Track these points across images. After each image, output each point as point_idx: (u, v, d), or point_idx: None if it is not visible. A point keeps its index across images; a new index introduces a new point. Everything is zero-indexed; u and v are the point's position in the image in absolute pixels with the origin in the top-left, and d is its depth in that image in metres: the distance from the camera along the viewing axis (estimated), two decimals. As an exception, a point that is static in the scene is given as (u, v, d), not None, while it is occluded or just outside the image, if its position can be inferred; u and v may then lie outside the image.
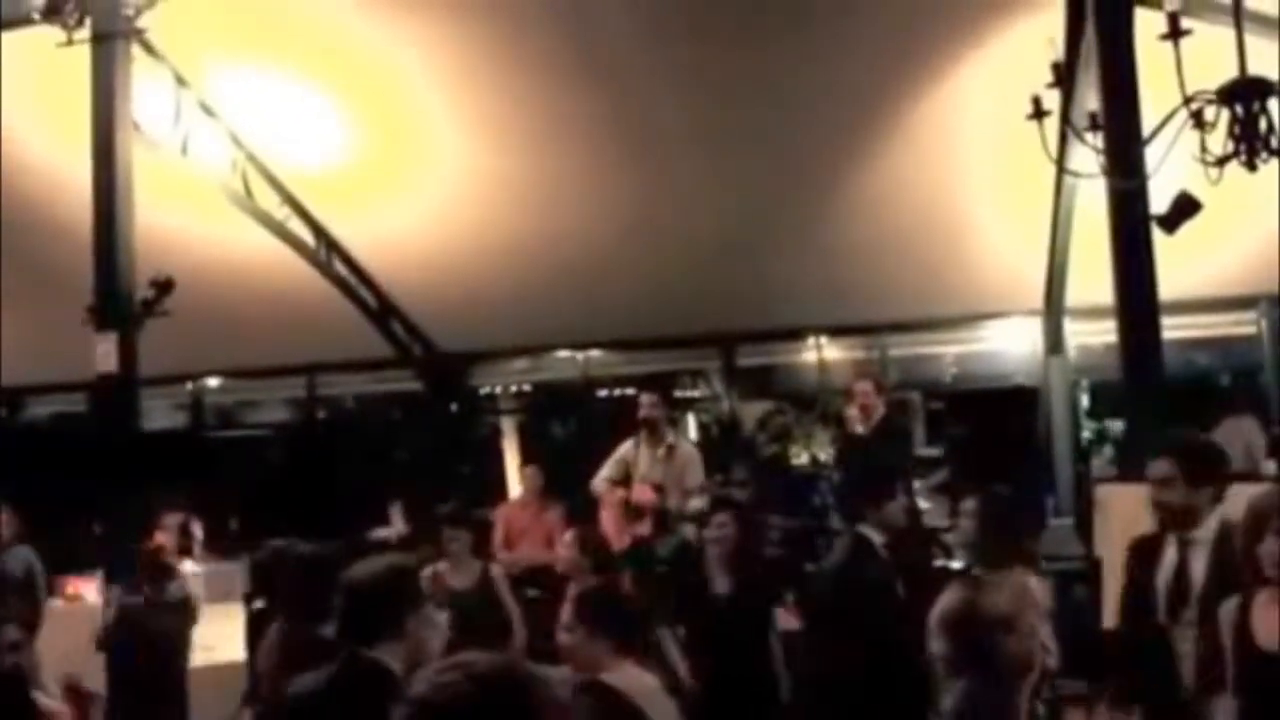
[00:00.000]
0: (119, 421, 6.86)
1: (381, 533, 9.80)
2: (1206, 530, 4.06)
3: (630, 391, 10.46)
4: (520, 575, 7.50)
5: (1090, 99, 5.63)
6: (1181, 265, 6.46)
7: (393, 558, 3.85)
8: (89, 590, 7.84)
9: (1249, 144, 3.71)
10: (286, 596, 4.67)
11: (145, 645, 6.24)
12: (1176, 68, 3.71)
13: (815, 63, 7.52)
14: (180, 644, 6.50)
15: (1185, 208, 4.74)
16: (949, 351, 10.83)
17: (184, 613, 6.63)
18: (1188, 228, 4.83)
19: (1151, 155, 4.32)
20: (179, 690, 6.31)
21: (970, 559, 4.81)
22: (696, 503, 7.98)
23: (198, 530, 9.23)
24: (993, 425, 10.23)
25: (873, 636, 5.06)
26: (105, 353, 6.66)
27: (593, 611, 3.71)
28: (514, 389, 12.13)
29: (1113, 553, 4.74)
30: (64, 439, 11.97)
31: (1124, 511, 4.98)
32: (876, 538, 5.39)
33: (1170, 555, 4.13)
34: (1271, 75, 3.89)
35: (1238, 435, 7.62)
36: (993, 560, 4.71)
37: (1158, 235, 5.15)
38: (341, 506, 10.08)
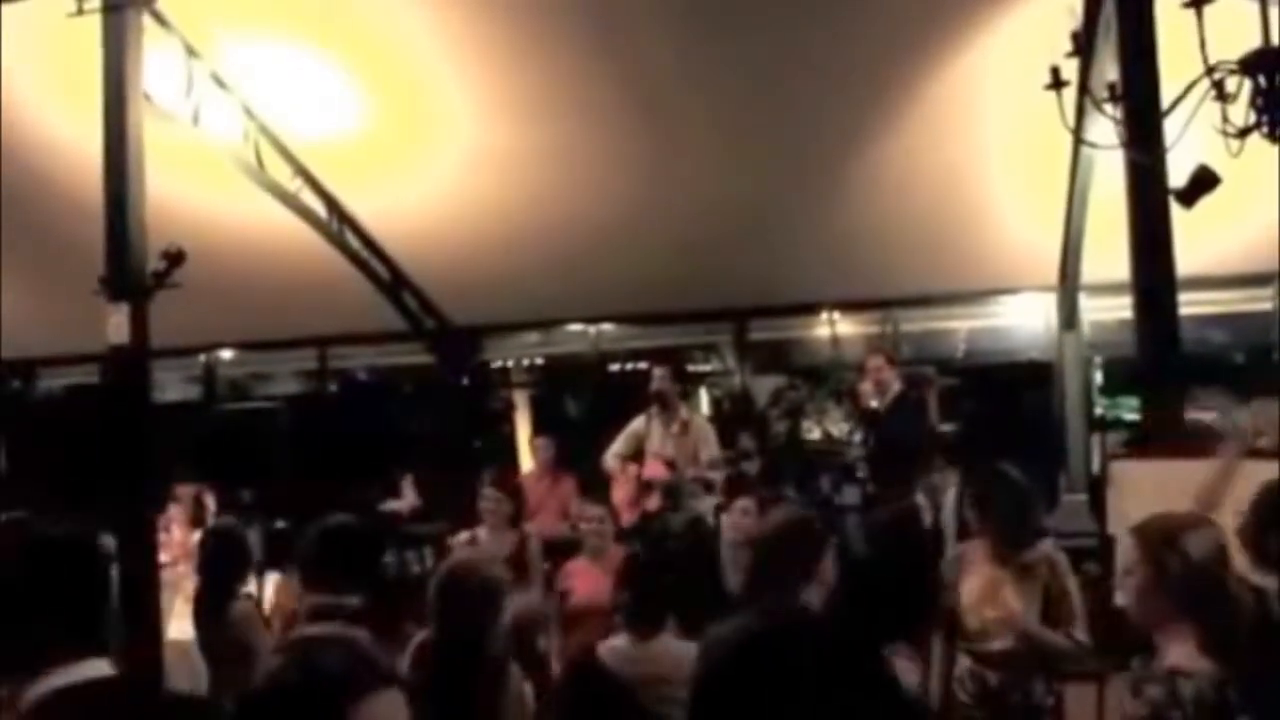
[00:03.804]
0: (131, 393, 6.86)
1: (392, 505, 9.83)
2: None
3: (642, 366, 10.47)
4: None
5: (1110, 69, 5.56)
6: (1196, 241, 6.38)
7: (791, 510, 3.97)
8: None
9: (1271, 115, 3.66)
10: (317, 570, 4.75)
11: None
12: (1199, 37, 3.65)
13: (831, 36, 7.45)
14: None
15: (1204, 182, 4.66)
16: (962, 327, 10.80)
17: None
18: (1203, 203, 4.77)
19: (1171, 128, 4.27)
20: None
21: (987, 538, 4.76)
22: (715, 475, 8.00)
23: (210, 501, 9.28)
24: (1006, 401, 10.21)
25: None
26: (117, 324, 6.65)
27: None
28: (526, 363, 12.14)
29: (1125, 530, 4.71)
30: (77, 411, 12.01)
31: (1137, 488, 4.96)
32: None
33: None
34: (1294, 45, 3.83)
35: (1266, 416, 7.52)
36: (1010, 538, 4.68)
37: (1173, 210, 5.09)
38: (353, 479, 10.11)
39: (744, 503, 5.88)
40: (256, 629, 5.61)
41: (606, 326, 11.27)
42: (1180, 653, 2.73)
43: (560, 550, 6.89)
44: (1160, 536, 2.86)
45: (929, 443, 6.57)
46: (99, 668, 2.01)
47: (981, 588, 4.66)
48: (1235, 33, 3.77)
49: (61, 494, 7.53)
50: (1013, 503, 4.74)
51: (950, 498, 5.36)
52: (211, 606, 5.81)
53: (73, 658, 1.98)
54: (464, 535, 6.73)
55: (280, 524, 8.72)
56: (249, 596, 6.01)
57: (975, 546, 4.84)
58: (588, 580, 5.88)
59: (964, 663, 4.65)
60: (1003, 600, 4.60)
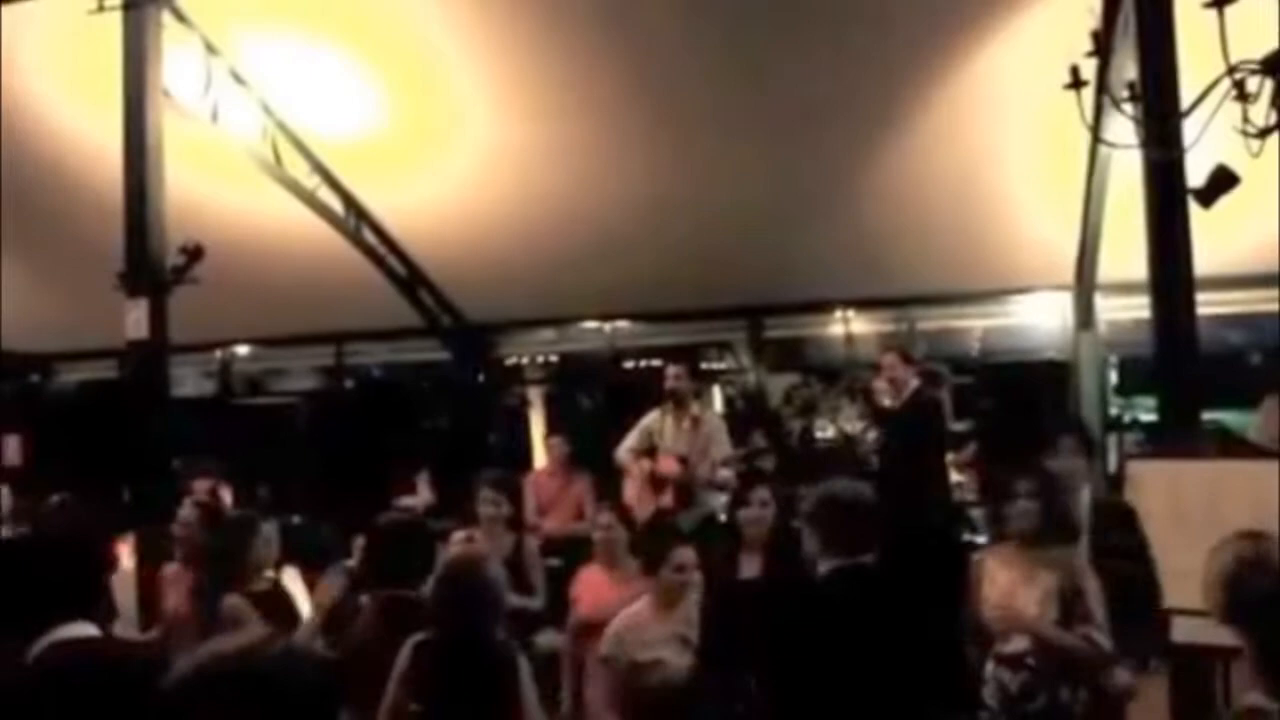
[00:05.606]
0: (149, 388, 6.90)
1: (407, 501, 9.84)
2: None
3: (657, 363, 10.44)
4: (544, 545, 7.49)
5: (1129, 68, 5.54)
6: (1214, 241, 6.36)
7: (857, 485, 4.20)
8: (120, 556, 7.93)
9: (1292, 116, 3.65)
10: (381, 564, 4.84)
11: None
12: (1220, 36, 3.64)
13: (847, 33, 7.45)
14: None
15: (1223, 181, 4.64)
16: (978, 325, 10.75)
17: None
18: (1221, 202, 4.75)
19: (1190, 127, 4.25)
20: None
21: (1028, 536, 4.70)
22: (725, 473, 7.97)
23: (227, 496, 9.32)
24: (1022, 400, 10.16)
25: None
26: (135, 320, 6.71)
27: None
28: (541, 359, 12.14)
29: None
30: (95, 405, 12.06)
31: (1154, 488, 4.95)
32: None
33: None
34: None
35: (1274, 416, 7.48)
36: (1049, 537, 4.63)
37: (1191, 210, 5.07)
38: (368, 475, 10.12)
39: (761, 494, 5.84)
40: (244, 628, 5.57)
41: (621, 323, 11.28)
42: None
43: (572, 548, 6.86)
44: (1236, 557, 2.80)
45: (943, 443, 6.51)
46: (86, 629, 2.71)
47: (1000, 588, 4.64)
48: (1257, 32, 3.76)
49: (78, 488, 7.57)
50: (1047, 498, 4.70)
51: (1085, 493, 5.25)
52: (210, 602, 5.74)
53: (68, 620, 2.69)
54: (460, 534, 6.54)
55: (296, 519, 8.75)
56: (246, 594, 5.92)
57: (998, 547, 4.81)
58: (597, 590, 5.80)
59: (989, 666, 4.61)
60: (1017, 601, 4.57)
